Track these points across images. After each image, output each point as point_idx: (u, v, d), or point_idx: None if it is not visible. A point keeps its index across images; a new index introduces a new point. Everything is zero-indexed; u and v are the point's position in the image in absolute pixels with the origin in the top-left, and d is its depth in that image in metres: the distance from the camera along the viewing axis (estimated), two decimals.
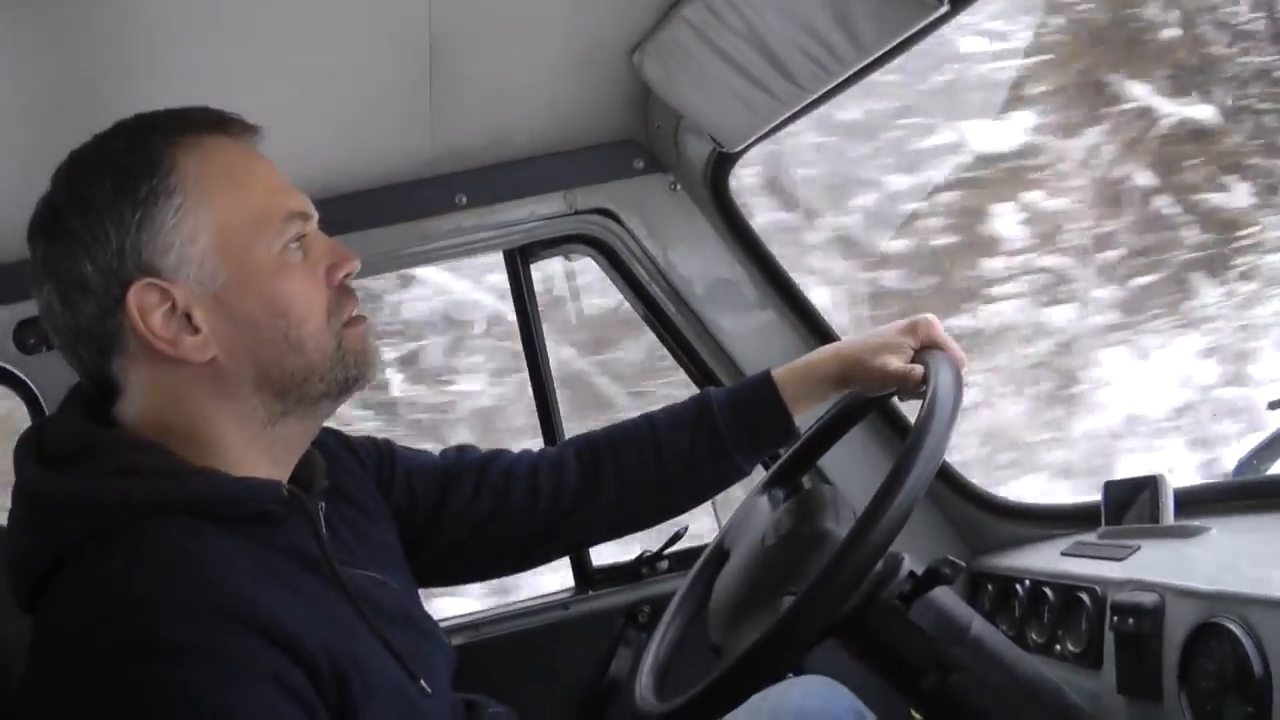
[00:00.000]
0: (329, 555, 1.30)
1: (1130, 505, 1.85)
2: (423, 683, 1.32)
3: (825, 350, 1.77)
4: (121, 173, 1.26)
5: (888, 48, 1.70)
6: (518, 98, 2.10)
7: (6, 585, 1.30)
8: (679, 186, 2.34)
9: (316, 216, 1.37)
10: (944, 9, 1.57)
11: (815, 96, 1.89)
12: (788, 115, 1.98)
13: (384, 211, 2.18)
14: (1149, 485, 1.82)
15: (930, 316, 1.67)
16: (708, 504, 1.94)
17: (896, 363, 1.64)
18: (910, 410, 1.70)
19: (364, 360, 1.37)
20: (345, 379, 1.35)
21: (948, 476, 2.29)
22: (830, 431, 1.80)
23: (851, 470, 2.29)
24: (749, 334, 2.37)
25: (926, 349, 1.64)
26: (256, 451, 1.33)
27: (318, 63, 1.76)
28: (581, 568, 2.43)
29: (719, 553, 1.76)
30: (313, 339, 1.32)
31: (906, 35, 1.66)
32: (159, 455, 1.26)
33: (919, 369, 1.60)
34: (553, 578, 2.47)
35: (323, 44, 1.73)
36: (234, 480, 1.27)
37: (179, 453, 1.27)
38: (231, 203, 1.29)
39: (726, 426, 1.72)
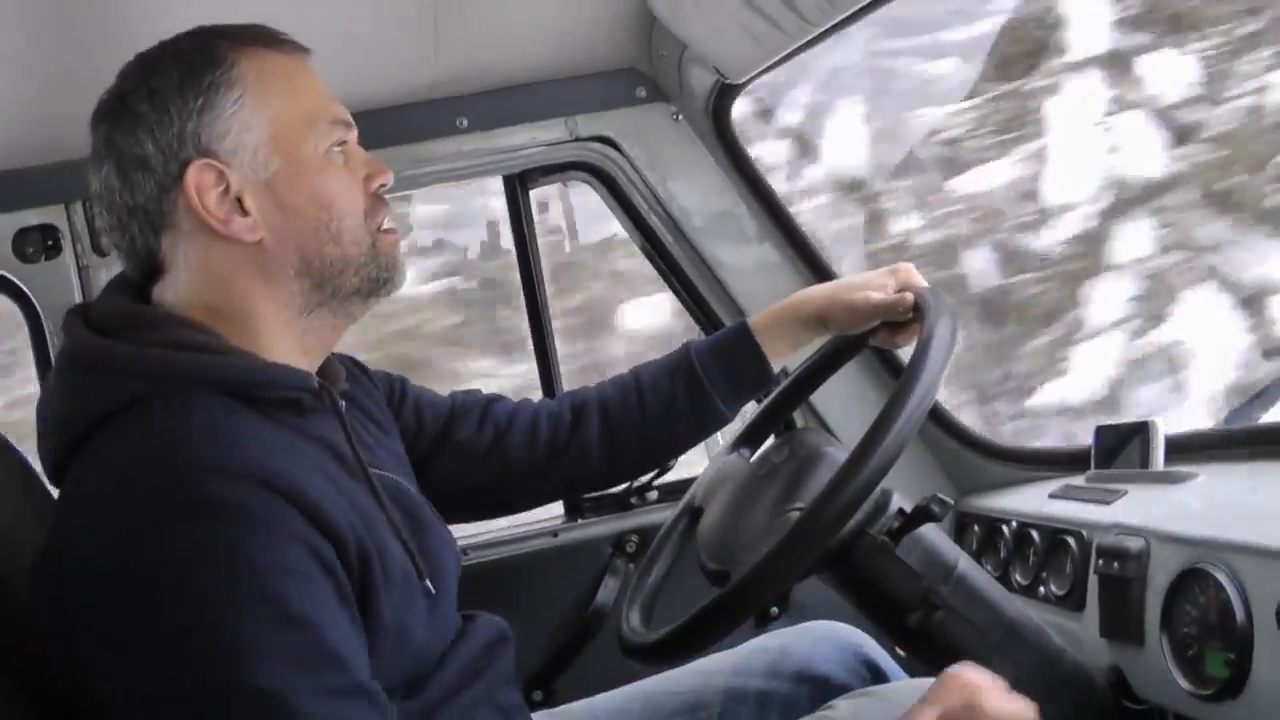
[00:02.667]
0: (355, 447, 1.35)
1: (1121, 450, 1.86)
2: (428, 582, 1.35)
3: (804, 291, 1.81)
4: (187, 64, 1.34)
5: None
6: (522, 22, 2.09)
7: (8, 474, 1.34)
8: (681, 117, 2.33)
9: (356, 130, 1.44)
10: None
11: (821, 30, 1.88)
12: (793, 48, 1.97)
13: (384, 133, 2.16)
14: (1140, 430, 1.82)
15: (908, 265, 1.70)
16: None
17: (878, 296, 1.67)
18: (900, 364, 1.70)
19: (394, 264, 1.44)
20: (376, 278, 1.41)
21: (938, 416, 2.30)
22: (821, 369, 1.81)
23: (844, 408, 2.32)
24: (746, 267, 2.37)
25: (908, 288, 1.66)
26: (290, 338, 1.38)
27: None
28: (571, 499, 2.44)
29: (690, 509, 1.77)
30: (350, 233, 1.38)
31: None
32: (202, 332, 1.32)
33: (908, 296, 1.63)
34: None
35: None
36: (269, 364, 1.32)
37: (218, 331, 1.33)
38: (286, 101, 1.37)
39: (706, 376, 1.77)
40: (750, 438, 1.82)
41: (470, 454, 1.74)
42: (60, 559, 1.20)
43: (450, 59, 2.12)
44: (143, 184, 1.34)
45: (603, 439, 1.78)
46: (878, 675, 1.72)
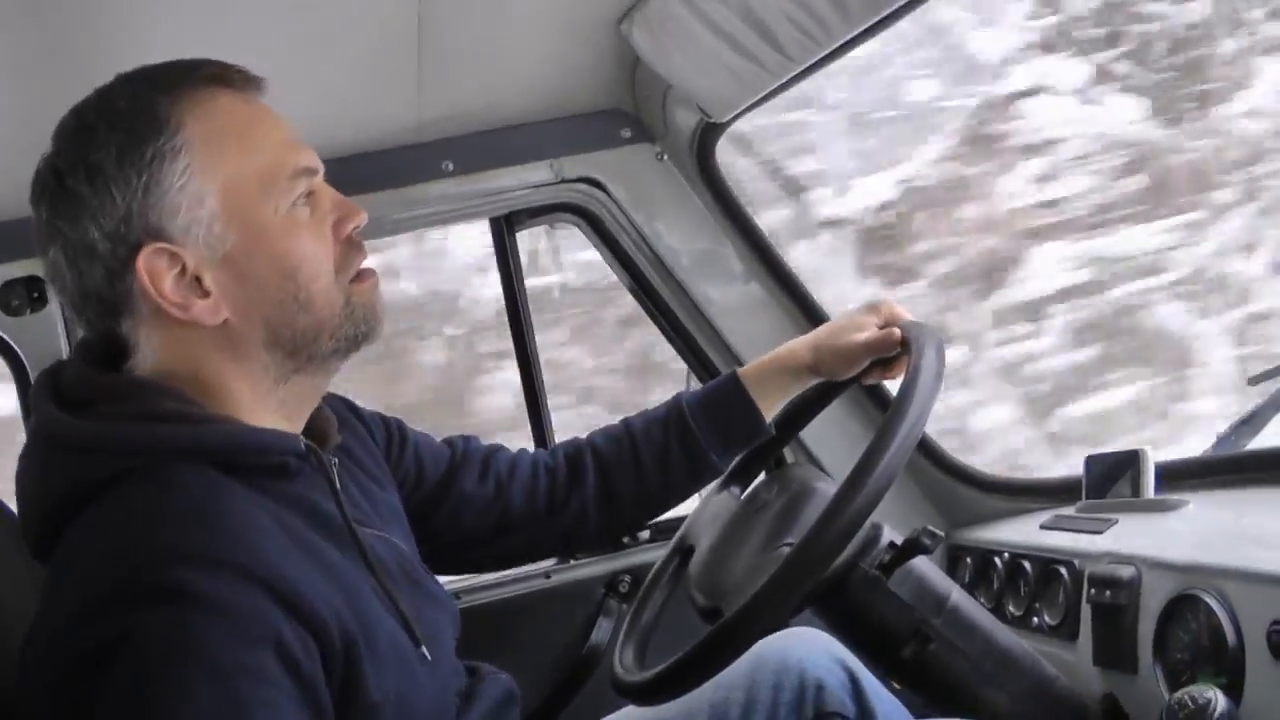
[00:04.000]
0: (345, 512, 1.30)
1: (1112, 479, 1.86)
2: (424, 649, 1.31)
3: (791, 344, 1.80)
4: (126, 134, 1.25)
5: (876, 19, 1.71)
6: (506, 64, 2.10)
7: (11, 544, 1.30)
8: (666, 156, 2.33)
9: (322, 170, 1.36)
10: None
11: (803, 67, 1.89)
12: (776, 86, 1.99)
13: (371, 177, 2.16)
14: (1130, 460, 1.83)
15: (888, 297, 1.71)
16: None
17: (863, 336, 1.67)
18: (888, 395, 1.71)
19: (372, 315, 1.37)
20: (354, 335, 1.36)
21: (926, 448, 2.30)
22: (793, 422, 1.83)
23: (833, 444, 2.31)
24: (734, 306, 2.37)
25: (893, 325, 1.66)
26: (269, 408, 1.33)
27: (305, 24, 1.75)
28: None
29: (681, 548, 1.77)
30: (322, 296, 1.31)
31: (895, 7, 1.67)
32: (179, 400, 1.26)
33: (895, 331, 1.63)
34: None
35: (309, 7, 1.72)
36: (253, 430, 1.27)
37: (197, 401, 1.28)
38: (238, 162, 1.28)
39: (698, 429, 1.77)
40: (740, 475, 1.82)
41: (472, 506, 1.71)
42: (35, 640, 1.17)
43: (435, 102, 2.12)
44: (91, 271, 1.26)
45: (599, 492, 1.77)
46: (856, 682, 1.70)
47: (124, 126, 1.25)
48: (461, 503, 1.70)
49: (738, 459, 1.82)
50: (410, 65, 1.95)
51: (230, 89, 1.31)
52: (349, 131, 2.12)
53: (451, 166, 2.26)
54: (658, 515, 1.92)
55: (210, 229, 1.26)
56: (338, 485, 1.32)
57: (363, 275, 1.37)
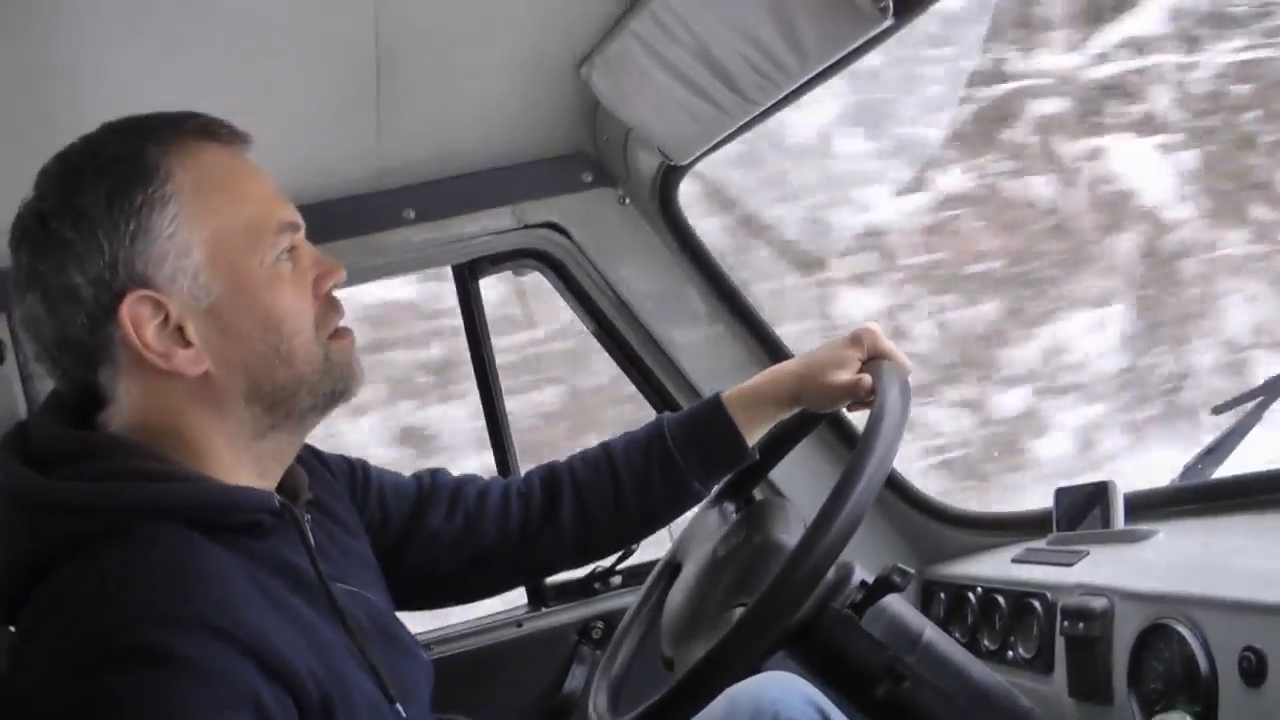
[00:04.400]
0: (320, 570, 1.29)
1: (1082, 511, 1.87)
2: (399, 706, 1.30)
3: (774, 371, 1.79)
4: (115, 180, 1.26)
5: (833, 60, 1.72)
6: (465, 111, 2.10)
7: None
8: (628, 200, 2.33)
9: (304, 227, 1.37)
10: (889, 22, 1.58)
11: (762, 109, 1.90)
12: (735, 128, 1.99)
13: (330, 225, 2.15)
14: (1100, 491, 1.83)
15: (872, 326, 1.68)
16: None
17: (845, 376, 1.65)
18: (860, 421, 1.71)
19: (350, 373, 1.38)
20: (332, 391, 1.36)
21: (898, 486, 2.30)
22: (781, 444, 1.82)
23: (801, 481, 2.29)
24: (700, 348, 2.37)
25: (873, 359, 1.66)
26: (245, 464, 1.32)
27: (261, 72, 1.74)
28: (535, 585, 2.41)
29: (671, 567, 1.76)
30: (302, 351, 1.32)
31: (852, 48, 1.68)
32: (153, 459, 1.25)
33: (867, 379, 1.62)
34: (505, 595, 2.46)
35: (266, 53, 1.71)
36: (227, 488, 1.27)
37: (172, 457, 1.26)
38: (225, 215, 1.29)
39: (680, 452, 1.74)
40: (732, 493, 1.82)
41: (441, 541, 1.68)
42: (13, 691, 1.14)
43: (394, 149, 2.12)
44: (72, 317, 1.25)
45: (577, 518, 1.74)
46: None
47: (112, 172, 1.26)
48: (431, 539, 1.68)
49: (729, 476, 1.81)
50: (369, 112, 1.94)
51: (218, 142, 1.33)
52: (308, 179, 2.10)
53: (413, 214, 2.25)
54: (637, 540, 1.89)
55: (195, 279, 1.26)
56: (311, 542, 1.31)
57: (340, 333, 1.37)
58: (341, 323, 1.38)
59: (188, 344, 1.27)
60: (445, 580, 1.73)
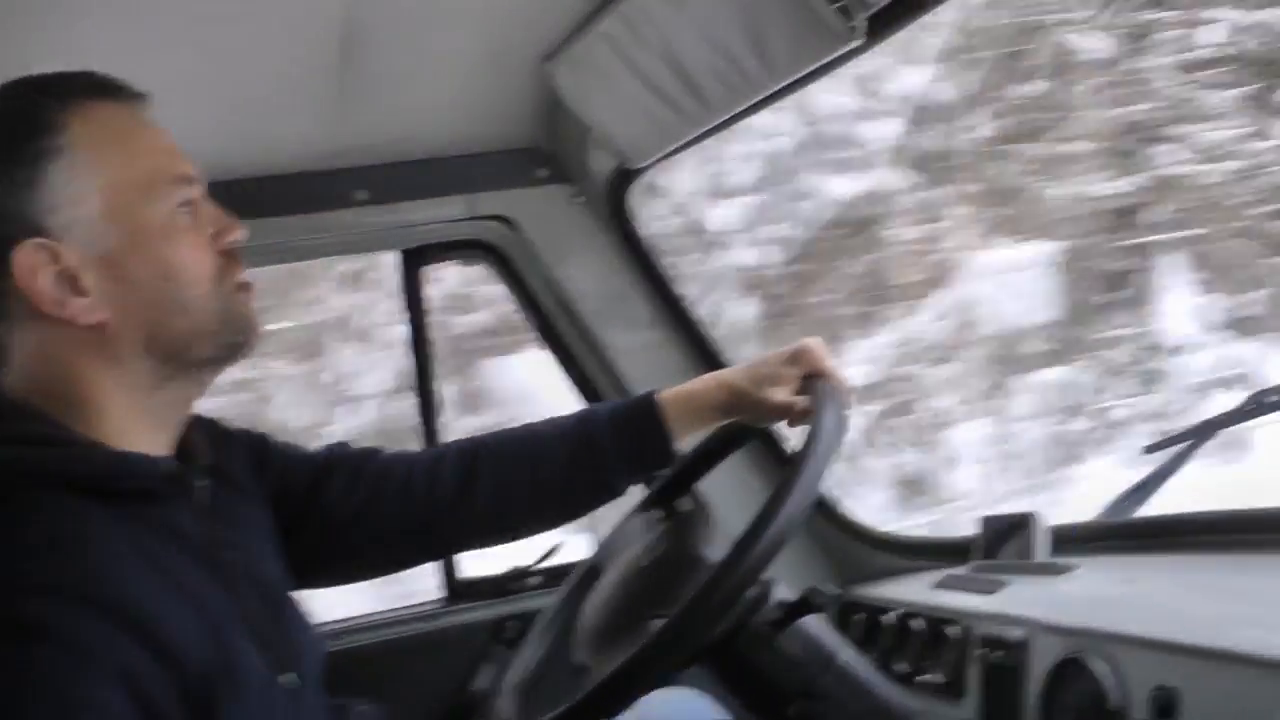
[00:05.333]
0: (211, 538, 1.28)
1: (1005, 541, 1.89)
2: (292, 675, 1.29)
3: (710, 378, 1.75)
4: (9, 131, 1.25)
5: (800, 75, 1.73)
6: (427, 96, 2.09)
7: None
8: (581, 199, 2.33)
9: (202, 182, 1.36)
10: (858, 42, 1.60)
11: (724, 118, 1.91)
12: (695, 135, 2.00)
13: (282, 200, 2.13)
14: (1023, 522, 1.85)
15: (814, 342, 1.66)
16: (587, 520, 1.93)
17: (781, 394, 1.63)
18: (795, 438, 1.70)
19: (248, 325, 1.37)
20: (230, 343, 1.35)
21: (824, 506, 2.31)
22: (711, 456, 1.79)
23: (730, 496, 2.28)
24: (639, 353, 2.36)
25: (811, 377, 1.64)
26: (141, 419, 1.30)
27: (222, 37, 1.72)
28: (450, 578, 2.40)
29: (591, 572, 1.74)
30: (200, 301, 1.31)
31: (820, 64, 1.69)
32: (44, 423, 1.24)
33: (802, 400, 1.60)
34: (421, 587, 2.44)
35: (231, 21, 1.69)
36: (118, 455, 1.25)
37: (64, 421, 1.25)
38: (121, 165, 1.28)
39: (605, 445, 1.69)
40: (660, 500, 1.77)
41: (343, 513, 1.63)
42: None
43: (353, 128, 2.10)
44: None
45: (492, 496, 1.68)
46: None
47: (7, 123, 1.26)
48: (332, 510, 1.63)
49: (659, 485, 1.77)
50: (330, 88, 1.93)
51: (114, 100, 1.32)
52: (262, 151, 2.09)
53: (365, 195, 2.24)
54: (550, 527, 1.84)
55: (91, 228, 1.25)
56: (206, 507, 1.30)
57: (241, 287, 1.37)
58: (242, 278, 1.37)
59: (83, 293, 1.25)
60: (348, 555, 1.68)
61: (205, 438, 1.43)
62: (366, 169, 2.24)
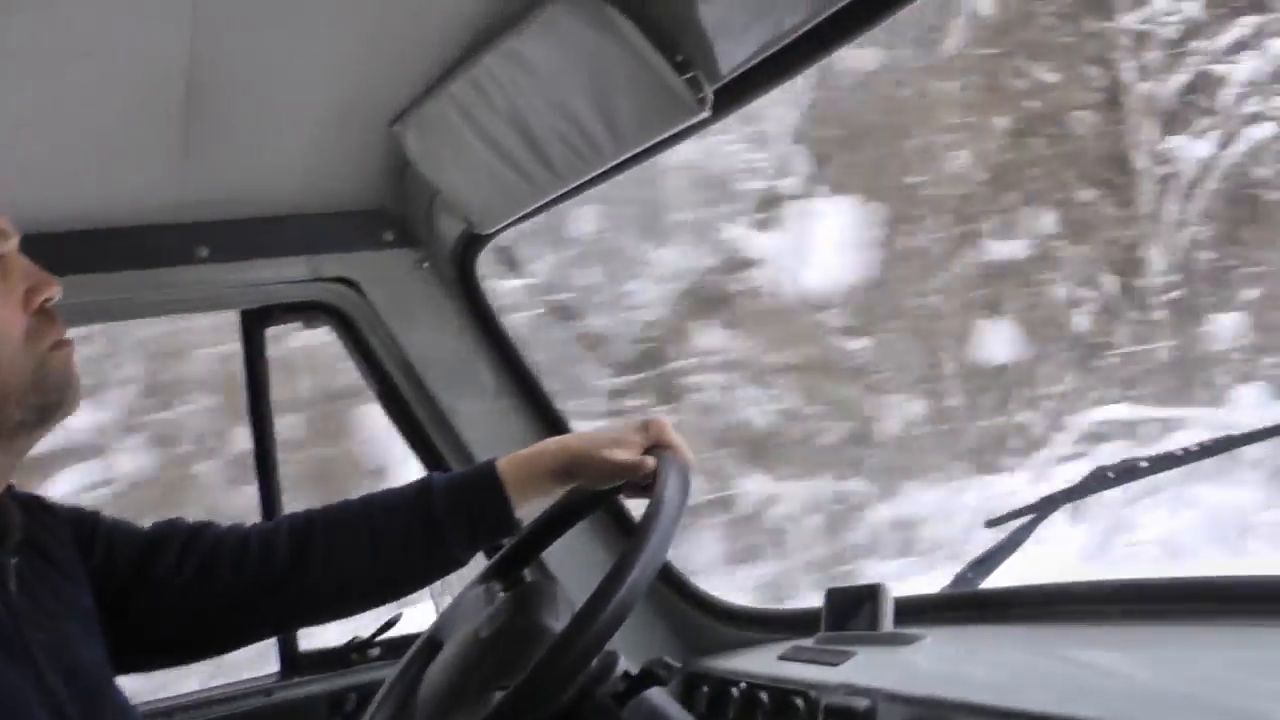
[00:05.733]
0: (17, 619, 1.23)
1: (851, 612, 1.89)
2: None
3: (552, 441, 1.72)
4: None
5: (647, 145, 1.74)
6: (273, 153, 2.05)
7: None
8: (427, 263, 2.30)
9: (17, 237, 1.31)
10: (705, 114, 1.62)
11: (571, 186, 1.91)
12: (543, 201, 2.00)
13: (119, 255, 2.06)
14: (870, 594, 1.86)
15: (662, 418, 1.67)
16: (428, 591, 1.89)
17: (624, 455, 1.62)
18: (638, 510, 1.70)
19: (64, 384, 1.32)
20: (44, 404, 1.30)
21: (670, 577, 2.30)
22: (554, 526, 1.77)
23: (574, 566, 2.26)
24: (483, 420, 2.34)
25: (657, 448, 1.64)
26: None
27: (58, 78, 1.66)
28: (289, 651, 2.32)
29: (431, 644, 1.70)
30: (8, 362, 1.26)
31: (667, 135, 1.70)
32: None
33: (650, 461, 1.59)
34: (258, 661, 2.36)
35: (70, 65, 1.63)
36: None
37: None
38: None
39: (444, 513, 1.65)
40: (502, 571, 1.75)
41: (172, 588, 1.57)
42: None
43: (196, 183, 2.05)
44: None
45: (328, 571, 1.63)
46: None
47: None
48: (159, 587, 1.57)
49: (501, 555, 1.75)
50: (172, 140, 1.88)
51: None
52: (99, 202, 2.01)
53: (206, 252, 2.17)
54: (390, 599, 1.75)
55: None
56: (11, 587, 1.25)
57: (58, 345, 1.32)
58: (59, 335, 1.33)
59: None
60: (178, 632, 1.61)
61: (19, 513, 1.37)
62: (208, 225, 2.17)
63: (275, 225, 2.22)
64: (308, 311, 2.32)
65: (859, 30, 1.52)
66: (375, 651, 2.31)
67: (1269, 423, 1.92)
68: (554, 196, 1.97)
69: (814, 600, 2.04)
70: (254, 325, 2.31)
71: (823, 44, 1.55)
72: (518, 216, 2.08)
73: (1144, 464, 1.93)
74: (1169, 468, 1.93)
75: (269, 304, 2.29)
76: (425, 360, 2.31)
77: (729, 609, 2.29)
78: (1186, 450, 1.94)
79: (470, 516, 1.66)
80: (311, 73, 1.83)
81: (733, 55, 1.58)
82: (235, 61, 1.73)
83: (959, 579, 1.98)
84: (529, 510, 1.73)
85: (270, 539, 1.64)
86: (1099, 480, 1.95)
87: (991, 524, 2.00)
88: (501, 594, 1.72)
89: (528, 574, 2.21)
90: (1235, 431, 1.92)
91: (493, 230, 2.15)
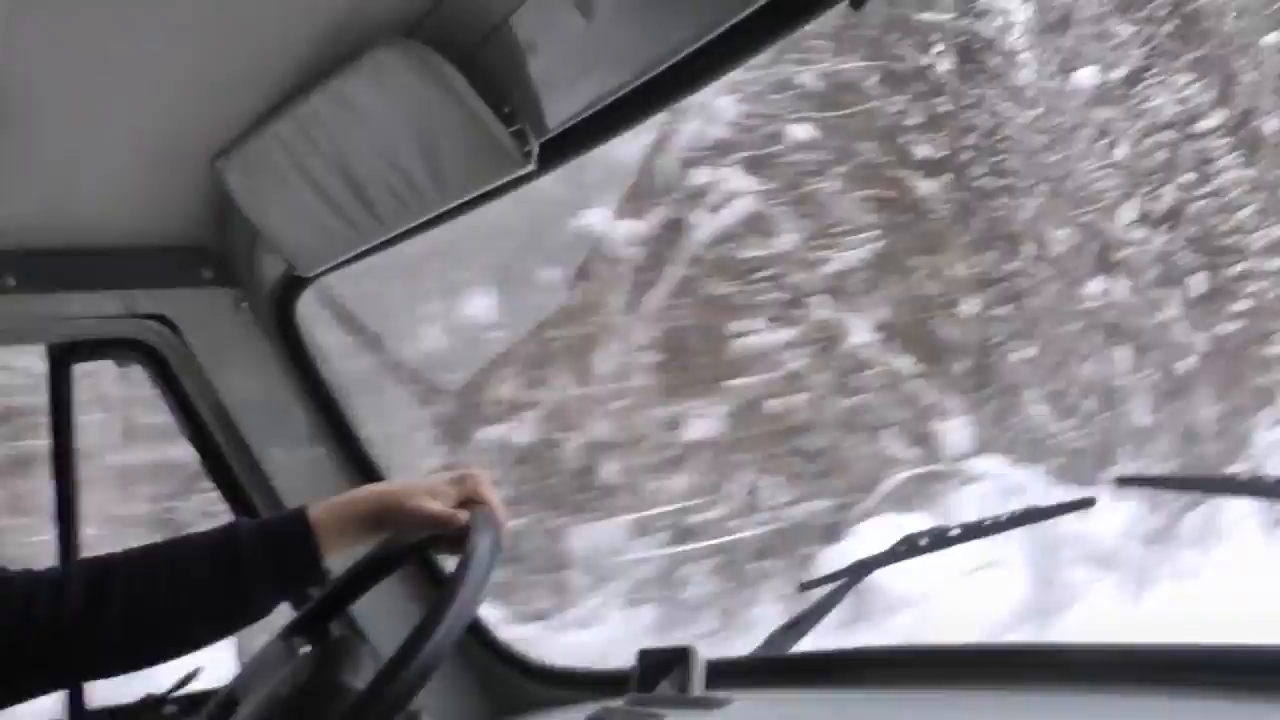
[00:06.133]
0: None
1: (662, 674, 1.88)
2: None
3: (365, 489, 1.70)
4: None
5: (472, 195, 1.72)
6: (87, 182, 1.98)
7: None
8: (246, 304, 2.25)
9: None
10: (531, 167, 1.61)
11: (395, 233, 1.88)
12: (366, 247, 1.97)
13: None
14: (681, 656, 1.85)
15: (479, 471, 1.65)
16: (230, 644, 1.82)
17: (436, 505, 1.60)
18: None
19: None
20: None
21: (480, 634, 2.26)
22: (362, 578, 1.74)
23: (384, 621, 2.20)
24: (297, 467, 2.28)
25: (470, 502, 1.62)
26: None
27: None
28: (76, 708, 2.21)
29: (228, 702, 1.64)
30: None
31: (492, 186, 1.69)
32: None
33: (463, 514, 1.57)
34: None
35: None
36: None
37: None
38: None
39: (249, 559, 1.59)
40: (305, 627, 1.70)
41: None
42: None
43: (5, 209, 1.96)
44: None
45: (125, 618, 1.54)
46: None
47: None
48: None
49: (306, 609, 1.70)
50: None
51: None
52: None
53: (13, 282, 2.08)
54: (190, 650, 1.66)
55: None
56: None
57: None
58: None
59: None
60: None
61: None
62: (15, 253, 2.08)
63: (88, 257, 2.14)
64: (119, 348, 2.24)
65: (684, 92, 1.54)
66: (171, 709, 2.21)
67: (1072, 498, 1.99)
68: (377, 242, 1.94)
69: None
70: (61, 361, 2.22)
71: (648, 104, 1.57)
72: (340, 260, 2.05)
73: (955, 532, 1.97)
74: (979, 537, 1.97)
75: (78, 339, 2.20)
76: (239, 403, 2.24)
77: (540, 667, 2.27)
78: (996, 520, 1.99)
79: (277, 564, 1.60)
80: (133, 101, 1.77)
81: (560, 110, 1.59)
82: (48, 84, 1.67)
83: (770, 642, 1.99)
84: (340, 559, 1.68)
85: (62, 585, 1.55)
86: (910, 547, 1.98)
87: (805, 587, 2.01)
88: (305, 648, 1.67)
89: (334, 628, 2.16)
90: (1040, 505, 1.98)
91: (314, 273, 2.10)
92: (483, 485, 1.63)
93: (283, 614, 1.73)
